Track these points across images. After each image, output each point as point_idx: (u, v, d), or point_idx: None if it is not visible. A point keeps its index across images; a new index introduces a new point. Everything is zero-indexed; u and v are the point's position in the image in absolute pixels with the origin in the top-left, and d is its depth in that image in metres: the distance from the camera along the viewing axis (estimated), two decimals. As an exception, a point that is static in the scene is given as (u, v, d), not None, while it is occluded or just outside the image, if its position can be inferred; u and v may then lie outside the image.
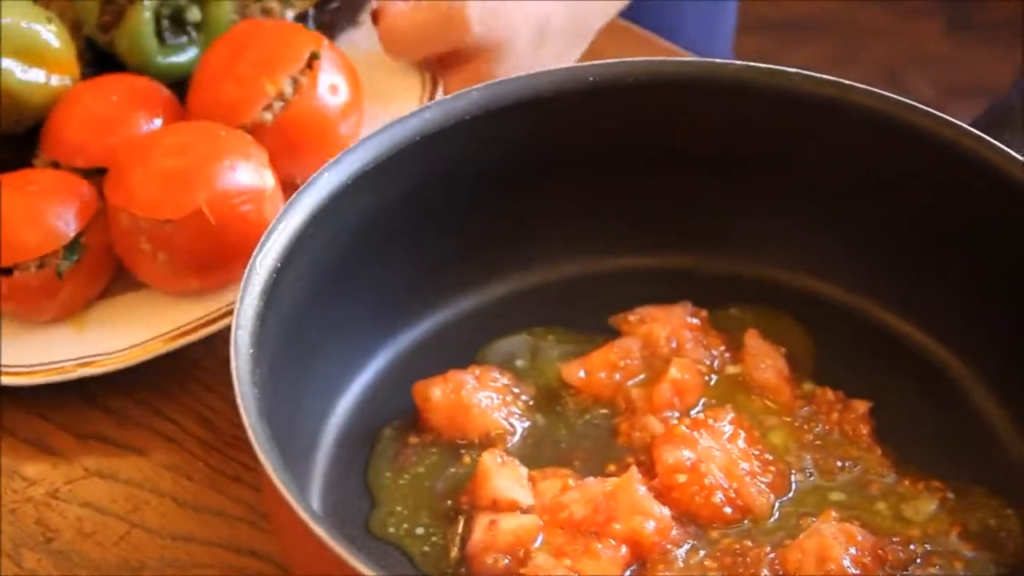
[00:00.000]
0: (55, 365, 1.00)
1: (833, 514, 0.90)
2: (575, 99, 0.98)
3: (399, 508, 0.94)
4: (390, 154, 0.95)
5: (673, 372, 0.97)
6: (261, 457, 0.82)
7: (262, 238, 0.90)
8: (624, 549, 0.89)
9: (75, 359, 1.00)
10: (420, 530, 0.92)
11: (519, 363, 1.00)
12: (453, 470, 0.95)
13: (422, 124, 0.96)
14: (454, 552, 0.91)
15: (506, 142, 0.99)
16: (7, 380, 1.00)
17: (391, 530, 0.93)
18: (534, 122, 0.98)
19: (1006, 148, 0.92)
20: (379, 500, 0.94)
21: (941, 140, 0.94)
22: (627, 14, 1.21)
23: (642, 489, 0.91)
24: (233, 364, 0.85)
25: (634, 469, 0.92)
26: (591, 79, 0.98)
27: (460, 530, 0.91)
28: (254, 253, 0.89)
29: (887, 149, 0.96)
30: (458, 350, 1.00)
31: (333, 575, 0.81)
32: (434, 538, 0.92)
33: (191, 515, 0.96)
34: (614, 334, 1.00)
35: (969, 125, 0.94)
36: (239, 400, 0.84)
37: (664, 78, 0.98)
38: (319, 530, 0.79)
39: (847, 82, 0.96)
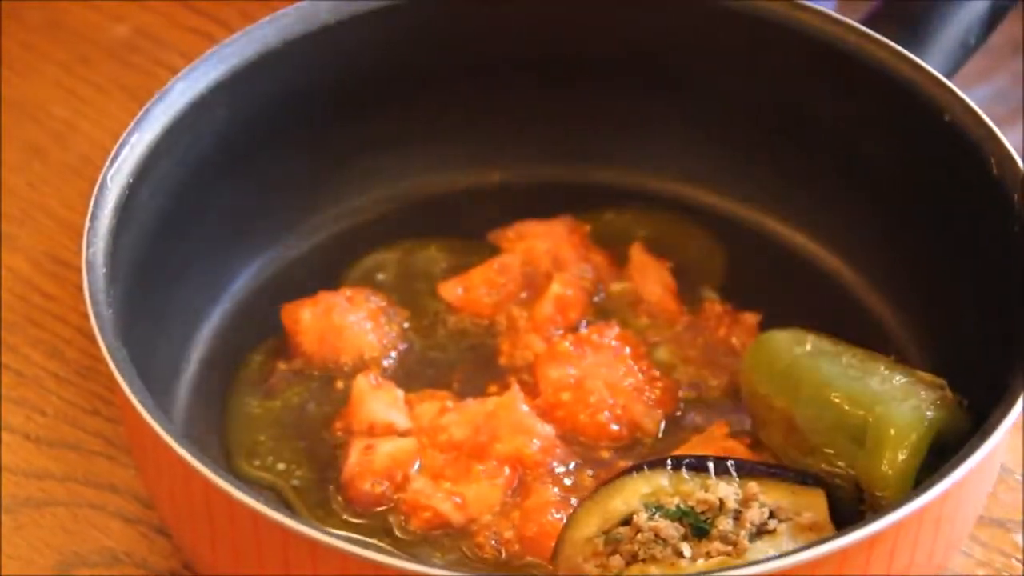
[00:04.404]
0: None
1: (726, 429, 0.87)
2: (442, 5, 0.93)
3: (263, 438, 0.88)
4: (248, 63, 0.90)
5: (555, 288, 0.93)
6: (117, 377, 0.77)
7: (113, 152, 0.85)
8: (507, 470, 0.85)
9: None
10: (282, 465, 0.87)
11: (392, 280, 0.94)
12: (325, 398, 0.90)
13: (281, 31, 0.91)
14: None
15: (375, 50, 0.93)
16: None
17: (256, 462, 0.87)
18: (404, 28, 0.93)
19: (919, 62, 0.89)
20: (243, 431, 0.88)
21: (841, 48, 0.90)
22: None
23: (525, 407, 0.87)
24: (85, 282, 0.80)
25: (516, 387, 0.88)
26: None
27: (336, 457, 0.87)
28: (104, 168, 0.84)
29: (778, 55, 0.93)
30: (328, 269, 0.94)
31: (199, 501, 0.76)
32: (300, 472, 0.87)
33: (45, 451, 0.90)
34: (494, 251, 0.95)
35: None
36: (92, 320, 0.79)
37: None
38: (183, 452, 0.74)
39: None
